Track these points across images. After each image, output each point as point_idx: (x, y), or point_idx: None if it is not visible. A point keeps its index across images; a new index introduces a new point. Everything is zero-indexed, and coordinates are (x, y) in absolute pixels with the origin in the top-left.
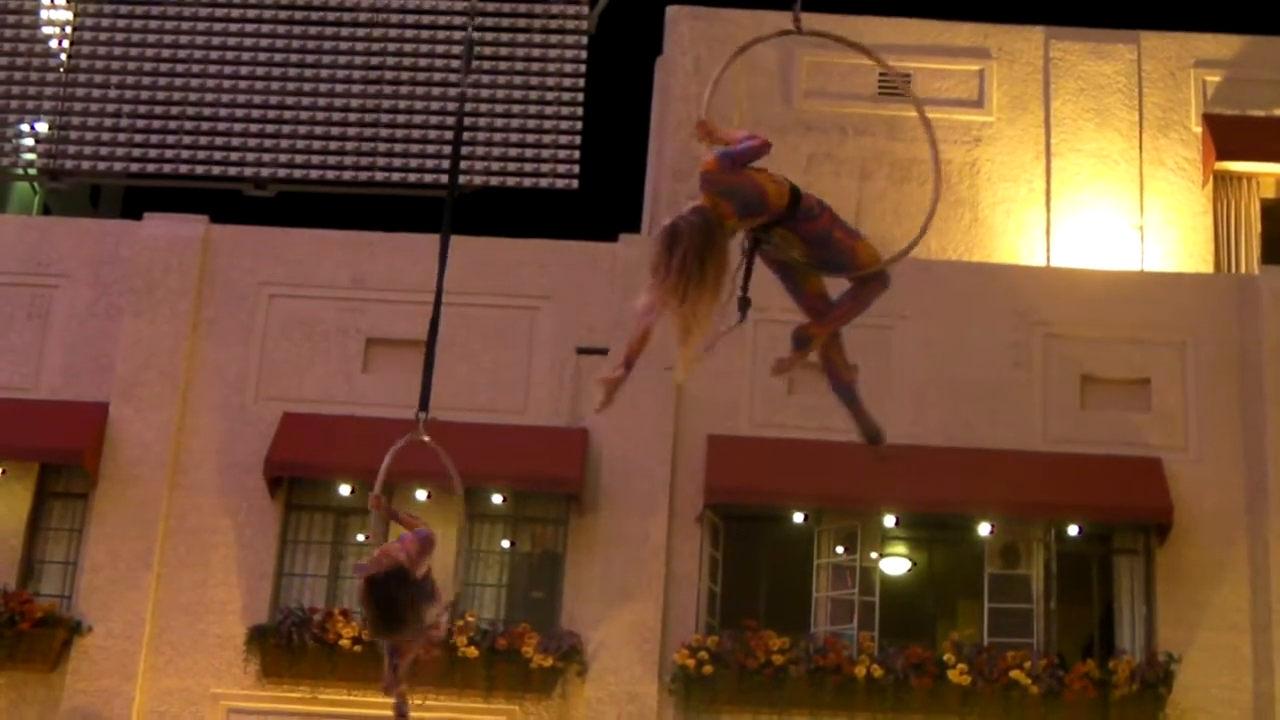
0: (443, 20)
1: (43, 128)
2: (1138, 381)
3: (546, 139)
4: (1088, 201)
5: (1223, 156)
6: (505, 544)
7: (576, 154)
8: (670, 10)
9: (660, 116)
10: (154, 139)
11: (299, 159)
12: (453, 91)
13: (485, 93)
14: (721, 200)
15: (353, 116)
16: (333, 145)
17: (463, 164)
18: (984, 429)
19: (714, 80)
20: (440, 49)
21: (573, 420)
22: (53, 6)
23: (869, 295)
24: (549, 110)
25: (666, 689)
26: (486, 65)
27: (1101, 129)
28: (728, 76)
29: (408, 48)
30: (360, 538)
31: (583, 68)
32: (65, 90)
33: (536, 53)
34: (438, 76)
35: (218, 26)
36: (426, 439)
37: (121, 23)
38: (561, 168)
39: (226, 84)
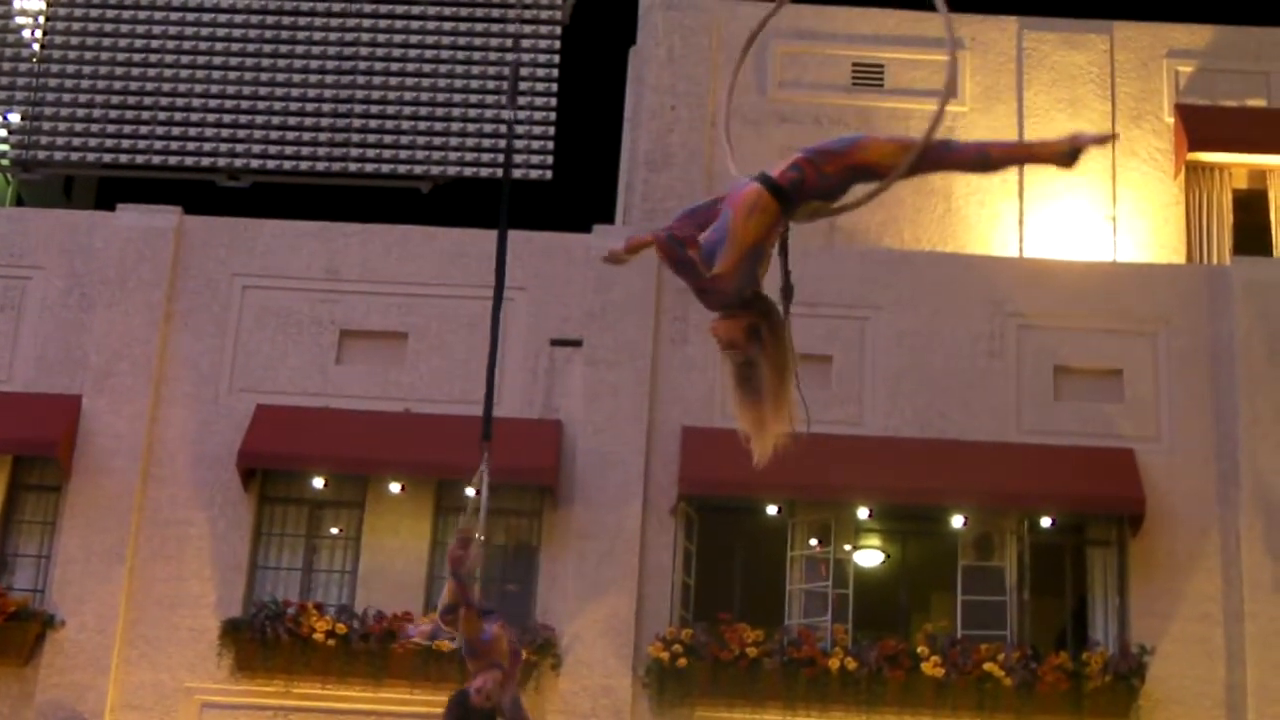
0: (416, 10)
1: (15, 118)
2: (1110, 372)
3: (520, 129)
4: (1060, 192)
5: (1195, 147)
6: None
7: (550, 145)
8: (644, 0)
9: (634, 107)
10: (127, 130)
11: (272, 150)
12: (426, 82)
13: (459, 83)
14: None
15: (326, 108)
16: (306, 136)
17: (435, 154)
18: (957, 420)
19: (734, 77)
20: (414, 39)
21: (547, 412)
22: None
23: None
24: (523, 100)
25: (640, 682)
26: (460, 55)
27: (1074, 119)
28: (705, 70)
29: (380, 38)
30: (334, 530)
31: (556, 58)
32: (38, 81)
33: (510, 43)
34: (411, 67)
35: (191, 17)
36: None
37: (94, 13)
38: (535, 159)
39: (200, 75)
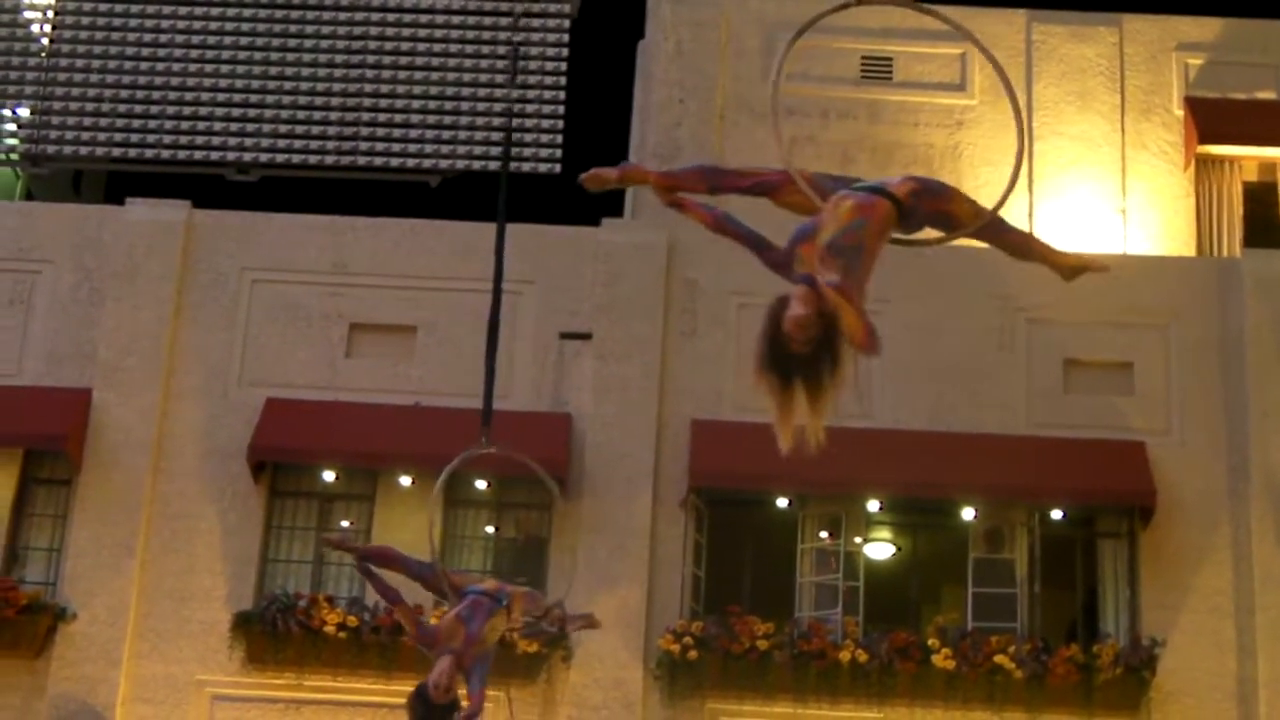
0: (424, 3)
1: (25, 113)
2: (1120, 365)
3: (529, 123)
4: (1070, 185)
5: (1205, 140)
6: (489, 530)
7: (559, 138)
8: None
9: (642, 100)
10: (136, 124)
11: (281, 144)
12: (434, 76)
13: (467, 77)
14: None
15: (335, 101)
16: (315, 130)
17: (444, 148)
18: (967, 413)
19: (777, 70)
20: (422, 33)
21: (556, 405)
22: None
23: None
24: (531, 94)
25: (651, 674)
26: (469, 49)
27: (1084, 112)
28: (713, 63)
29: (390, 32)
30: (344, 524)
31: (565, 51)
32: (47, 75)
33: (519, 36)
34: (419, 61)
35: (200, 11)
36: (492, 449)
37: (104, 7)
38: (544, 152)
39: (209, 69)
